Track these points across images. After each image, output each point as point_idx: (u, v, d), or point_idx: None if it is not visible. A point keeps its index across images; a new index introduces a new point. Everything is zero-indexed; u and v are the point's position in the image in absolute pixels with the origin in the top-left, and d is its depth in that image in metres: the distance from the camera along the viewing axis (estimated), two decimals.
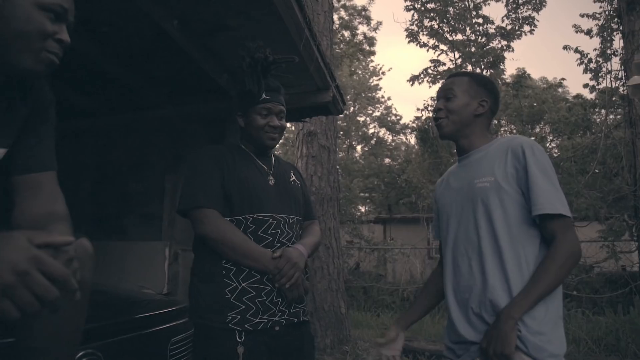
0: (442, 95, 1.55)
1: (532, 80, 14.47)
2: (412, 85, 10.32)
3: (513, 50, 9.21)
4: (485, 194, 1.39)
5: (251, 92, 1.64)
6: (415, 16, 9.82)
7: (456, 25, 9.35)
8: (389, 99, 32.18)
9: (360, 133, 24.91)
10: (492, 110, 1.56)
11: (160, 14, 2.44)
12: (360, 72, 24.60)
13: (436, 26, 9.44)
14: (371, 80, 24.75)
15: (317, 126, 5.08)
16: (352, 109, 24.60)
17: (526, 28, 9.44)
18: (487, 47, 8.85)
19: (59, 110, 3.75)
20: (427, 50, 10.30)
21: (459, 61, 9.50)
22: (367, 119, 25.19)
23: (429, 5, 9.50)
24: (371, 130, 25.17)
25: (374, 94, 24.67)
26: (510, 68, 34.72)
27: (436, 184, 1.75)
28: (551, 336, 1.27)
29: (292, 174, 1.79)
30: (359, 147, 25.78)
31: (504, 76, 9.54)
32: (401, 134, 24.33)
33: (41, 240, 0.75)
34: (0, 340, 1.03)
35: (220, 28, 2.65)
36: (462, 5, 9.17)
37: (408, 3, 9.84)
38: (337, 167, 5.25)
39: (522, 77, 9.47)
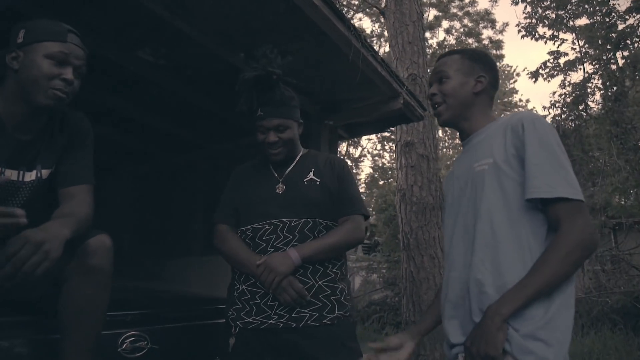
0: (435, 78, 1.43)
1: None
2: (534, 82, 9.49)
3: None
4: (482, 177, 1.25)
5: (246, 112, 1.75)
6: (528, 8, 9.06)
7: (577, 9, 8.33)
8: (527, 101, 29.71)
9: None
10: (493, 85, 1.43)
11: (227, 51, 2.77)
12: None
13: (553, 15, 8.54)
14: (505, 85, 23.29)
15: (413, 136, 5.04)
16: None
17: None
18: (622, 27, 7.67)
19: (175, 145, 4.34)
20: (545, 42, 9.40)
21: (585, 47, 8.44)
22: None
23: None
24: None
25: (510, 98, 23.14)
26: None
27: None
28: (549, 343, 1.09)
29: (312, 173, 1.73)
30: None
31: None
32: None
33: None
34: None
35: (282, 54, 2.89)
36: None
37: None
38: (439, 175, 5.12)
39: None
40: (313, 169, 1.75)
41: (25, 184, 1.34)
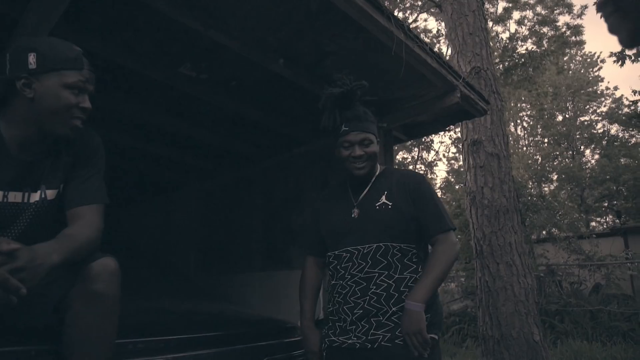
0: None
1: None
2: (621, 65, 8.48)
3: None
4: None
5: (329, 128, 1.78)
6: None
7: None
8: (615, 89, 27.21)
9: (586, 135, 21.64)
10: None
11: (266, 57, 2.67)
12: (573, 66, 21.66)
13: None
14: (589, 73, 21.49)
15: (481, 134, 4.65)
16: (569, 108, 21.66)
17: None
18: None
19: (232, 160, 4.33)
20: None
21: None
22: (593, 117, 21.78)
23: None
24: (600, 129, 21.61)
25: (594, 87, 21.29)
26: None
27: None
28: None
29: (384, 197, 1.72)
30: (587, 151, 22.40)
31: None
32: None
33: None
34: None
35: (323, 56, 2.75)
36: None
37: None
38: (512, 174, 4.66)
39: None
40: (386, 192, 1.73)
41: (29, 206, 1.29)
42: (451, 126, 3.85)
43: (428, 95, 3.07)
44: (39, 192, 1.30)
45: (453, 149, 19.07)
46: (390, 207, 1.67)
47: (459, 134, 15.19)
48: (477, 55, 4.84)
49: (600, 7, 0.96)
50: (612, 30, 0.94)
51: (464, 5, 4.97)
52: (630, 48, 0.98)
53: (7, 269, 0.94)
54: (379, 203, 1.70)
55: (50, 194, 1.32)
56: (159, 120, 3.47)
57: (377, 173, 1.82)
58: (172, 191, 5.18)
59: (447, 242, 1.65)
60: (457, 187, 18.25)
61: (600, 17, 0.97)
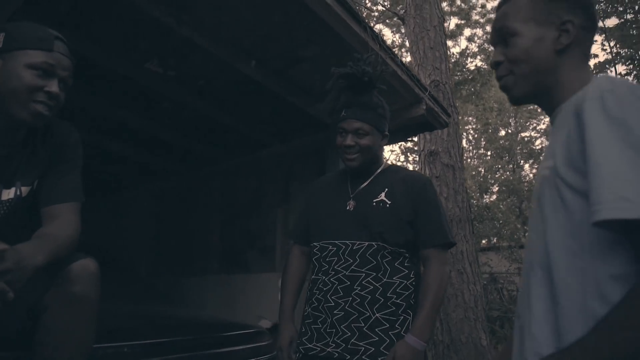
0: (497, 39, 0.96)
1: None
2: None
3: None
4: (543, 189, 0.85)
5: (328, 111, 1.69)
6: None
7: (606, 9, 7.93)
8: None
9: (525, 150, 22.89)
10: (587, 29, 0.91)
11: (238, 59, 2.64)
12: None
13: None
14: None
15: (438, 145, 4.82)
16: (512, 124, 22.83)
17: None
18: None
19: (191, 160, 4.16)
20: None
21: (617, 47, 8.03)
22: (533, 133, 23.08)
23: None
24: (538, 146, 22.96)
25: (535, 105, 22.57)
26: None
27: None
28: None
29: (384, 193, 1.58)
30: (526, 166, 23.67)
31: None
32: None
33: None
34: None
35: (297, 60, 2.75)
36: None
37: None
38: (465, 185, 4.86)
39: None
40: (386, 189, 1.59)
41: (2, 204, 1.20)
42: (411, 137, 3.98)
43: (395, 105, 3.13)
44: (13, 188, 1.21)
45: (402, 158, 19.51)
46: (388, 205, 1.55)
47: (410, 144, 15.59)
48: (437, 69, 5.02)
49: (494, 66, 0.97)
50: (503, 89, 0.97)
51: (426, 20, 5.14)
52: (517, 105, 1.03)
53: None
54: (376, 199, 1.57)
55: (25, 190, 1.23)
56: (119, 115, 3.34)
57: (382, 168, 1.68)
58: (127, 190, 4.98)
59: (439, 262, 1.52)
60: None
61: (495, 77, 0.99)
